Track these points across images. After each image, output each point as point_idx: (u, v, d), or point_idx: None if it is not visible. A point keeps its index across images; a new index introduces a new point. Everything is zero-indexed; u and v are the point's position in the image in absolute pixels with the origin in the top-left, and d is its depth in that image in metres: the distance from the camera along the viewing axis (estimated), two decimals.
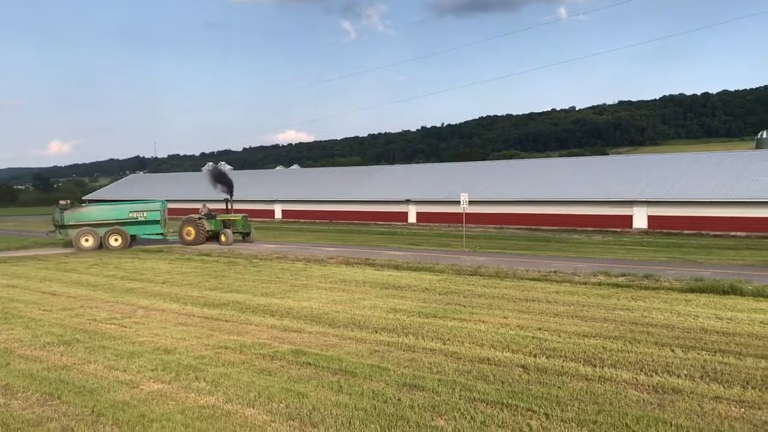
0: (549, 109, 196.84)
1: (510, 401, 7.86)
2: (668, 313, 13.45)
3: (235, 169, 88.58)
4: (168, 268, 22.65)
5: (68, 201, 36.12)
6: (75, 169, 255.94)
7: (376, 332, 11.94)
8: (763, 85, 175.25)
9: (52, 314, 14.42)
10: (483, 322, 12.74)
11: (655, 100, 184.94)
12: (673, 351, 10.27)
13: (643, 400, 7.92)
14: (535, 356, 10.03)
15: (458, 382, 8.67)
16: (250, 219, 35.47)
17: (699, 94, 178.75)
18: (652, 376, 8.92)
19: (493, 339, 11.22)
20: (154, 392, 8.52)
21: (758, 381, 8.59)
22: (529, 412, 7.51)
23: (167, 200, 37.41)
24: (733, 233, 37.38)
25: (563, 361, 9.76)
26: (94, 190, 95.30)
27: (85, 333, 12.37)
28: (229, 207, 34.97)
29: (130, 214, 32.54)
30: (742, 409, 7.56)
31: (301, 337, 11.76)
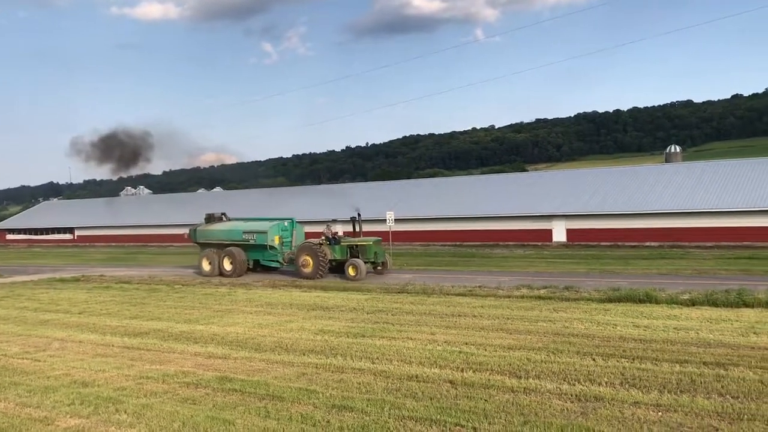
0: (470, 128, 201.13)
1: (438, 417, 7.90)
2: (588, 322, 13.87)
3: (154, 192, 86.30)
4: (85, 298, 21.73)
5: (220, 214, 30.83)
6: None
7: (304, 355, 11.81)
8: (669, 102, 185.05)
9: None
10: (411, 339, 12.80)
11: (570, 117, 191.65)
12: (593, 360, 10.59)
13: (567, 409, 8.11)
14: (462, 371, 10.14)
15: (387, 401, 8.65)
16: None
17: (611, 111, 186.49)
18: (574, 385, 9.15)
19: (421, 356, 11.27)
20: (71, 428, 8.12)
21: (673, 385, 8.95)
22: (458, 427, 7.57)
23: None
24: (647, 243, 39.05)
25: (489, 374, 9.90)
26: (3, 219, 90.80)
27: None
28: (357, 228, 27.51)
29: (244, 236, 27.61)
30: (660, 413, 7.85)
31: (226, 363, 11.49)
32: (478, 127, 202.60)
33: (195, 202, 69.82)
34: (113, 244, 64.03)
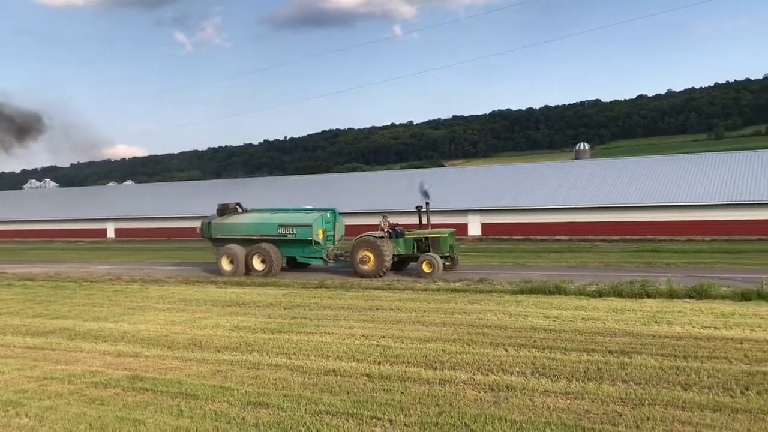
0: (389, 124, 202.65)
1: (355, 411, 7.92)
2: (501, 314, 14.23)
3: (61, 186, 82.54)
4: None
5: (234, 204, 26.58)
6: None
7: (219, 352, 11.58)
8: (578, 102, 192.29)
9: None
10: (329, 333, 12.77)
11: (485, 115, 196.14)
12: (506, 350, 10.87)
13: (481, 399, 8.30)
14: (379, 364, 10.20)
15: (304, 396, 8.60)
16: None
17: (524, 109, 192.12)
18: (488, 375, 9.37)
19: (338, 350, 11.27)
20: None
21: (581, 373, 9.30)
22: (374, 420, 7.61)
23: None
24: (557, 237, 40.46)
25: (406, 366, 10.01)
26: None
27: None
28: (426, 220, 24.03)
29: (279, 230, 24.18)
30: (568, 400, 8.15)
31: (137, 361, 11.12)
32: (396, 123, 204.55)
33: (104, 196, 67.28)
34: (16, 239, 60.88)
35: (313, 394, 8.71)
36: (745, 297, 14.99)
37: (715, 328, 12.08)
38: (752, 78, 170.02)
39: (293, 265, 25.11)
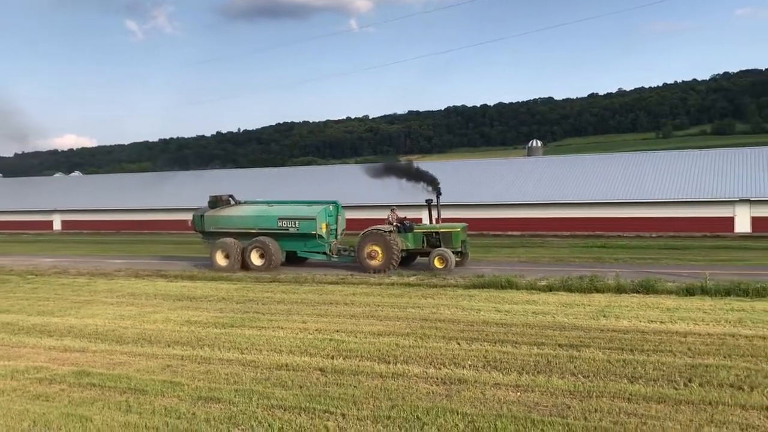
0: (344, 117, 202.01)
1: (308, 405, 7.90)
2: (454, 308, 14.36)
3: (5, 176, 79.81)
4: None
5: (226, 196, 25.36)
6: None
7: (169, 346, 11.39)
8: (532, 99, 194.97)
9: None
10: (282, 328, 12.69)
11: (440, 110, 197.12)
12: (459, 344, 10.98)
13: (433, 392, 8.36)
14: (332, 358, 10.19)
15: (256, 391, 8.53)
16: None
17: (479, 105, 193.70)
18: (440, 368, 9.45)
19: (291, 344, 11.20)
20: None
21: (531, 366, 9.45)
22: (327, 414, 7.60)
23: None
24: (509, 233, 40.99)
25: (359, 360, 10.02)
26: None
27: None
28: (435, 214, 22.96)
29: (280, 223, 23.12)
30: (518, 393, 8.27)
31: (84, 356, 10.87)
32: (352, 117, 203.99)
33: (50, 187, 65.42)
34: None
35: (265, 389, 8.64)
36: (689, 292, 15.44)
37: (661, 322, 12.42)
38: (699, 79, 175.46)
39: (290, 260, 23.83)
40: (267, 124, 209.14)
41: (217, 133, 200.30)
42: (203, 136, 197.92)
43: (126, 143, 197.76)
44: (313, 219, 22.67)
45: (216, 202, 24.94)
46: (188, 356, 10.63)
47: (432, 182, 23.08)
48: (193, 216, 24.98)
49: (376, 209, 37.28)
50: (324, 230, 23.00)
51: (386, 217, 23.10)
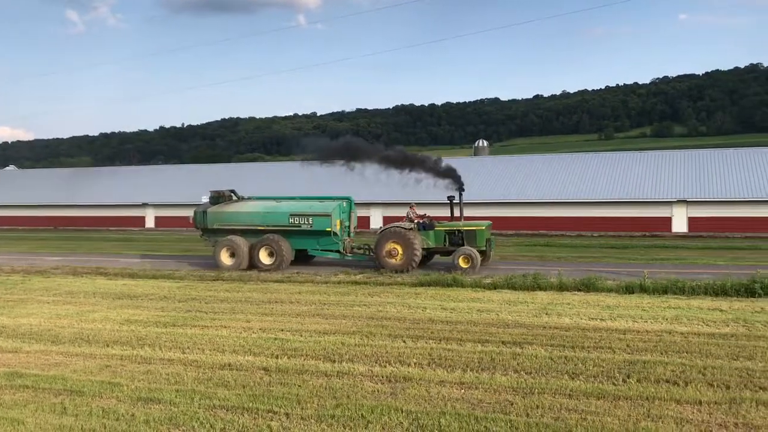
0: (292, 114, 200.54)
1: (251, 405, 7.78)
2: (400, 306, 14.39)
3: None
4: None
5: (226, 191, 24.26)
6: None
7: (108, 346, 11.07)
8: (478, 99, 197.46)
9: None
10: (225, 327, 12.48)
11: (389, 109, 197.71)
12: (404, 342, 11.00)
13: (378, 390, 8.35)
14: (277, 357, 10.07)
15: (198, 391, 8.36)
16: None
17: (426, 105, 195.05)
18: (385, 366, 9.44)
19: (235, 344, 11.03)
20: None
21: (475, 363, 9.53)
22: (270, 413, 7.50)
23: None
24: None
25: (304, 359, 9.93)
26: None
27: None
28: (458, 212, 22.41)
29: (292, 219, 22.07)
30: (462, 390, 8.33)
31: (17, 357, 10.46)
32: (300, 114, 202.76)
33: None
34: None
35: (207, 389, 8.48)
36: (628, 290, 15.84)
37: (601, 319, 12.70)
38: (640, 82, 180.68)
39: (297, 258, 22.72)
40: (212, 120, 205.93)
41: (161, 128, 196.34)
42: (146, 130, 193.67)
43: (65, 137, 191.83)
44: (329, 215, 21.84)
45: (218, 197, 23.84)
46: (128, 356, 10.35)
47: (455, 178, 22.43)
48: (195, 212, 23.64)
49: None
50: (339, 227, 22.29)
51: (405, 214, 22.37)
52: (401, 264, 20.58)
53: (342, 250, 22.48)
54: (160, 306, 15.06)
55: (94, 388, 8.56)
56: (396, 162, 22.79)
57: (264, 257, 21.93)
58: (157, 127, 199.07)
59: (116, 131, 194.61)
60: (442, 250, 21.73)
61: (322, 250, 22.60)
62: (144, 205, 50.49)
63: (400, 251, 20.71)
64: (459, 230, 21.46)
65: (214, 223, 22.98)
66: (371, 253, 22.09)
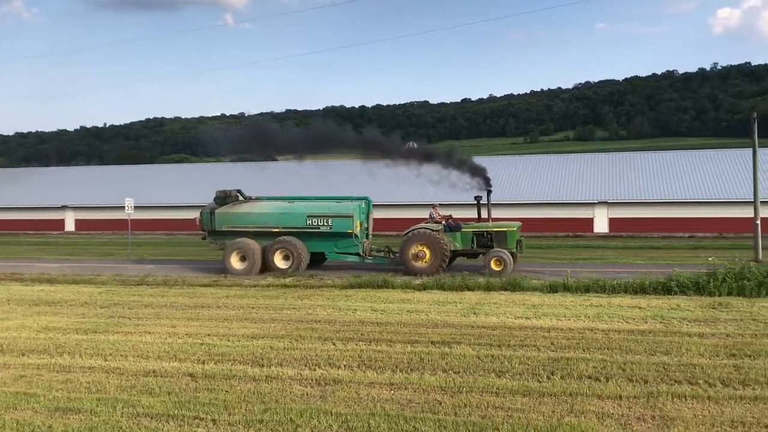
0: (219, 114, 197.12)
1: (176, 411, 7.59)
2: (330, 308, 14.34)
3: None
4: None
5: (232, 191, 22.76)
6: None
7: (24, 355, 10.58)
8: (408, 102, 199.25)
9: None
10: (149, 333, 12.13)
11: (319, 110, 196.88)
12: (334, 344, 10.96)
13: (307, 394, 8.29)
14: (203, 363, 9.86)
15: (120, 399, 8.10)
16: None
17: (357, 106, 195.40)
18: (315, 369, 9.39)
19: (159, 350, 10.74)
20: None
21: (405, 364, 9.59)
22: (196, 420, 7.34)
23: None
24: (386, 233, 41.59)
25: (232, 364, 9.76)
26: None
27: None
28: (485, 212, 21.67)
29: (310, 221, 21.09)
30: (392, 391, 8.37)
31: None
32: (227, 114, 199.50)
33: None
34: None
35: (130, 397, 8.22)
36: (552, 289, 16.28)
37: (526, 318, 13.01)
38: (563, 87, 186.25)
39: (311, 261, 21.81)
40: (135, 119, 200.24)
41: (81, 127, 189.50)
42: (65, 130, 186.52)
43: None
44: (350, 216, 21.03)
45: (225, 197, 22.52)
46: (45, 365, 9.92)
47: (484, 177, 21.82)
48: (201, 213, 22.44)
49: None
50: (359, 229, 21.49)
51: (428, 214, 21.74)
52: (429, 267, 19.82)
53: (362, 253, 21.76)
54: (81, 312, 14.51)
55: (8, 400, 8.17)
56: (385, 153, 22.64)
57: (279, 260, 21.02)
58: (78, 127, 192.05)
59: (33, 131, 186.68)
60: (469, 252, 21.18)
61: (340, 252, 21.81)
62: (64, 207, 48.60)
63: (428, 254, 20.01)
64: (487, 232, 20.73)
65: (222, 224, 21.82)
66: (392, 256, 21.65)
